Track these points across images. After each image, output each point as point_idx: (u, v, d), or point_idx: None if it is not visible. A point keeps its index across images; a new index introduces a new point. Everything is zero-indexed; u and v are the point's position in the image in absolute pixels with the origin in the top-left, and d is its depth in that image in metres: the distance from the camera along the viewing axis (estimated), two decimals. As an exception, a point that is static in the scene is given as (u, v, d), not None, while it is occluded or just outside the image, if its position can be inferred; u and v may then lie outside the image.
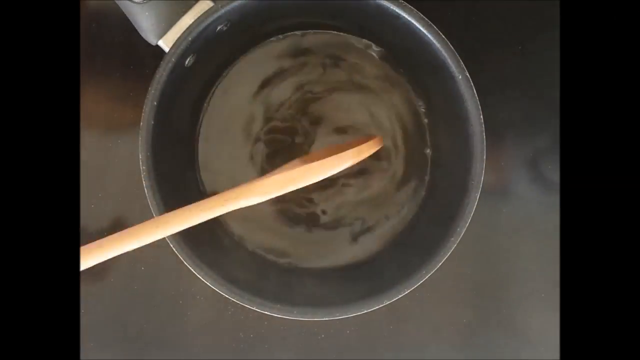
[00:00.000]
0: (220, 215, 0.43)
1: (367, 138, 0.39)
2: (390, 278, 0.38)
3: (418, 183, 0.44)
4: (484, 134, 0.36)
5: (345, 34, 0.43)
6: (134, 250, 0.45)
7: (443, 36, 0.35)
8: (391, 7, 0.35)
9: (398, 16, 0.36)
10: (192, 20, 0.36)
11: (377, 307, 0.36)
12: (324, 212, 0.44)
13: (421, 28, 0.36)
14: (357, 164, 0.37)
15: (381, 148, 0.42)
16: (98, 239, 0.45)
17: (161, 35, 0.37)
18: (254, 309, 0.36)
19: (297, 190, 0.37)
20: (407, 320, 0.46)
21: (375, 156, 0.43)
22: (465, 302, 0.47)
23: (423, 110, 0.43)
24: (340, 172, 0.43)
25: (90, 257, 0.33)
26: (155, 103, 0.36)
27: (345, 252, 0.43)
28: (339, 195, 0.44)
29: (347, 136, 0.43)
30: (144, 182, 0.36)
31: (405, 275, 0.36)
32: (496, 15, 0.46)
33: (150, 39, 0.38)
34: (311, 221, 0.44)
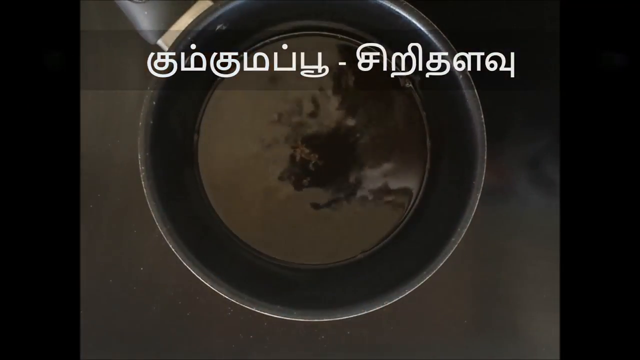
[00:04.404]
0: (220, 215, 0.43)
1: None
2: (391, 279, 0.38)
3: (418, 183, 0.44)
4: (484, 134, 0.36)
5: (345, 37, 0.43)
6: (134, 251, 0.45)
7: (444, 35, 0.35)
8: (391, 7, 0.35)
9: (399, 16, 0.36)
10: (191, 20, 0.36)
11: (377, 308, 0.36)
12: (325, 213, 0.44)
13: (422, 28, 0.36)
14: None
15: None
16: (98, 239, 0.45)
17: (160, 34, 0.37)
18: (254, 309, 0.36)
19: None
20: (407, 321, 0.46)
21: (374, 157, 0.43)
22: (465, 302, 0.46)
23: (423, 110, 0.43)
24: (342, 171, 0.43)
25: None
26: (154, 103, 0.36)
27: (346, 251, 0.43)
28: (341, 196, 0.44)
29: (350, 134, 0.43)
30: (143, 182, 0.36)
31: (405, 276, 0.36)
32: (496, 15, 0.46)
33: (150, 38, 0.38)
34: (312, 222, 0.44)
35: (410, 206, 0.44)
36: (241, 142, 0.43)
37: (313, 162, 0.43)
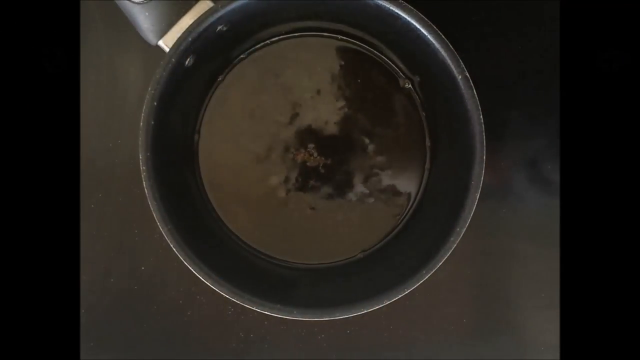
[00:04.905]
0: (220, 215, 0.43)
1: None
2: (391, 278, 0.38)
3: (418, 183, 0.44)
4: (484, 134, 0.36)
5: (345, 38, 0.43)
6: (134, 251, 0.45)
7: (443, 36, 0.35)
8: (391, 8, 0.35)
9: (398, 17, 0.36)
10: (192, 21, 0.36)
11: (377, 307, 0.36)
12: (325, 213, 0.44)
13: (421, 28, 0.36)
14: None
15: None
16: (99, 238, 0.45)
17: (161, 35, 0.37)
18: (254, 309, 0.36)
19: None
20: (407, 320, 0.46)
21: (374, 157, 0.43)
22: (465, 302, 0.47)
23: (423, 110, 0.43)
24: (342, 171, 0.43)
25: None
26: (155, 103, 0.36)
27: (346, 251, 0.43)
28: (341, 196, 0.44)
29: (349, 136, 0.43)
30: (144, 182, 0.36)
31: (405, 275, 0.36)
32: (496, 15, 0.46)
33: (150, 39, 0.38)
34: (312, 222, 0.44)
35: (409, 206, 0.44)
36: (242, 142, 0.43)
37: (313, 162, 0.43)
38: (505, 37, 0.46)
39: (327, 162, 0.43)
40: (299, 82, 0.43)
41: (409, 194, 0.44)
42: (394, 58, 0.43)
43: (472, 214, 0.36)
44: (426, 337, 0.46)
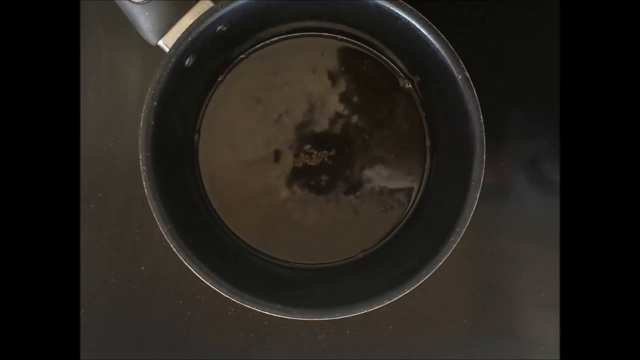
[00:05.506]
0: (220, 215, 0.43)
1: None
2: (391, 278, 0.38)
3: (418, 183, 0.44)
4: (484, 134, 0.36)
5: (345, 38, 0.43)
6: (134, 251, 0.45)
7: (443, 36, 0.36)
8: (391, 8, 0.35)
9: (398, 17, 0.36)
10: (192, 21, 0.36)
11: (377, 307, 0.36)
12: (325, 213, 0.44)
13: (421, 28, 0.36)
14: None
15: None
16: (99, 238, 0.45)
17: (161, 35, 0.37)
18: (254, 309, 0.36)
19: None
20: (407, 320, 0.46)
21: (374, 157, 0.43)
22: (466, 302, 0.47)
23: (423, 110, 0.43)
24: (342, 171, 0.43)
25: None
26: (155, 103, 0.36)
27: (346, 250, 0.43)
28: (341, 196, 0.44)
29: (350, 135, 0.43)
30: (144, 182, 0.36)
31: (405, 275, 0.36)
32: (496, 15, 0.46)
33: (150, 39, 0.38)
34: (312, 222, 0.44)
35: (409, 206, 0.44)
36: (241, 143, 0.43)
37: (313, 162, 0.43)
38: (506, 37, 0.46)
39: (327, 162, 0.43)
40: (299, 83, 0.43)
41: (409, 194, 0.44)
42: (394, 58, 0.43)
43: (472, 214, 0.36)
44: (426, 338, 0.46)
